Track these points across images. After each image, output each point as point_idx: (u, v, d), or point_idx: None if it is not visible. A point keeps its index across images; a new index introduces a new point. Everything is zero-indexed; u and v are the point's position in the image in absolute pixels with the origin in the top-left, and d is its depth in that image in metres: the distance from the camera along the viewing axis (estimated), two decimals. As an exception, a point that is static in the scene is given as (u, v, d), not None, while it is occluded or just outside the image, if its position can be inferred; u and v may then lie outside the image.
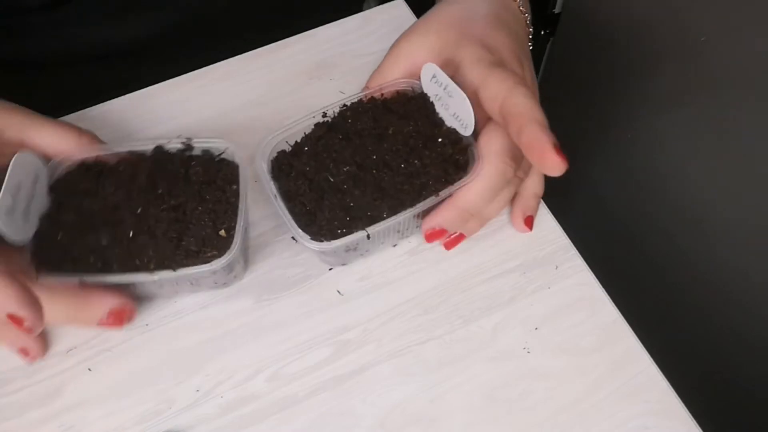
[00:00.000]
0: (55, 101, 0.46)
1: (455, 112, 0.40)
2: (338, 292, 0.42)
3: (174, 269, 0.36)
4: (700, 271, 0.64)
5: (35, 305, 0.33)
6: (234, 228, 0.38)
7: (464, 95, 0.39)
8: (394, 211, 0.38)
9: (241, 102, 0.49)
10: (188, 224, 0.37)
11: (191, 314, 0.41)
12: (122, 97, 0.49)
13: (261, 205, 0.45)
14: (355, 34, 0.52)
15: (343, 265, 0.43)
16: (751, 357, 0.61)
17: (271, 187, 0.39)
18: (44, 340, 0.40)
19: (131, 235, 0.37)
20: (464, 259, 0.43)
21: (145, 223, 0.37)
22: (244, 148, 0.47)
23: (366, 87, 0.44)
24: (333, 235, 0.38)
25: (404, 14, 0.53)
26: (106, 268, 0.37)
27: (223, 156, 0.41)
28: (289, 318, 0.41)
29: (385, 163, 0.40)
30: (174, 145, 0.41)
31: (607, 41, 0.62)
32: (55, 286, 0.36)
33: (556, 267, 0.42)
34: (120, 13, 0.54)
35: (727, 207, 0.57)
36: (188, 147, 0.41)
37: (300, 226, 0.38)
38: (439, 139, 0.40)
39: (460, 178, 0.39)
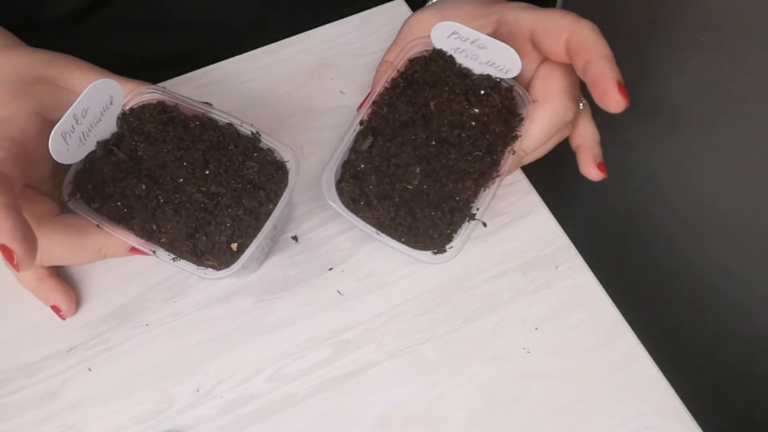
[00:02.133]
0: None
1: (489, 60, 0.40)
2: (338, 292, 0.42)
3: (175, 257, 0.37)
4: (700, 271, 0.64)
5: (28, 241, 0.32)
6: (246, 247, 0.37)
7: (501, 42, 0.38)
8: (479, 183, 0.38)
9: (241, 102, 0.49)
10: (212, 220, 0.37)
11: (191, 314, 0.41)
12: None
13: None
14: (355, 34, 0.52)
15: None
16: (751, 357, 0.61)
17: (365, 225, 0.38)
18: (74, 300, 0.41)
19: (161, 201, 0.37)
20: (464, 259, 0.43)
21: (178, 196, 0.37)
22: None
23: (384, 61, 0.43)
24: (446, 238, 0.37)
25: (404, 14, 0.53)
26: (127, 220, 0.37)
27: (283, 163, 0.39)
28: (289, 318, 0.41)
29: (446, 141, 0.39)
30: (245, 129, 0.39)
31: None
32: (87, 223, 0.37)
33: (556, 267, 0.42)
34: (138, 30, 0.54)
35: (727, 207, 0.57)
36: (256, 138, 0.39)
37: (415, 247, 0.37)
38: (481, 91, 0.40)
39: (519, 125, 0.39)
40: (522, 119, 0.39)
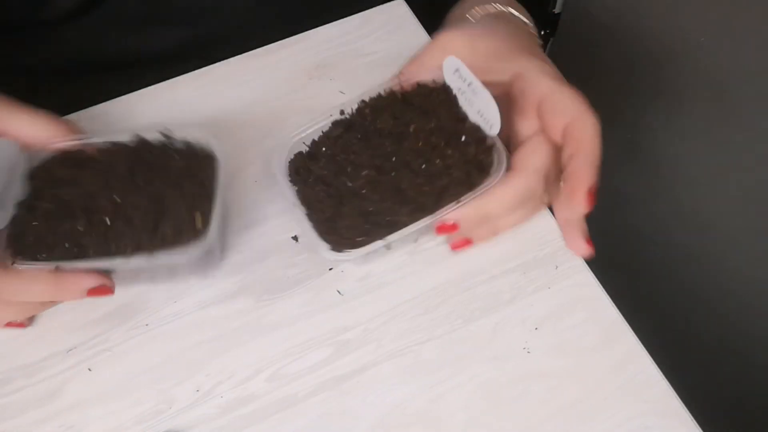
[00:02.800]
0: (62, 107, 0.46)
1: (480, 109, 0.40)
2: (338, 292, 0.42)
3: (150, 254, 0.37)
4: (700, 271, 0.64)
5: None
6: (209, 216, 0.38)
7: (490, 95, 0.38)
8: (413, 217, 0.38)
9: (241, 102, 0.49)
10: (165, 212, 0.38)
11: (191, 314, 0.41)
12: (121, 98, 0.49)
13: (262, 204, 0.45)
14: (355, 34, 0.52)
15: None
16: (751, 357, 0.61)
17: (290, 194, 0.39)
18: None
19: (108, 222, 0.37)
20: (464, 259, 0.43)
21: (122, 210, 0.38)
22: (245, 149, 0.47)
23: (401, 73, 0.43)
24: (352, 244, 0.37)
25: (404, 14, 0.53)
26: (82, 255, 0.37)
27: (203, 148, 0.40)
28: (289, 318, 0.41)
29: (406, 164, 0.39)
30: (154, 136, 0.40)
31: (607, 41, 0.62)
32: (31, 271, 0.37)
33: (556, 267, 0.42)
34: (138, 26, 0.54)
35: (726, 207, 0.57)
36: (168, 138, 0.40)
37: (320, 234, 0.38)
38: (463, 137, 0.39)
39: (482, 182, 0.38)
40: (486, 175, 0.38)
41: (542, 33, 0.72)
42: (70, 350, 0.40)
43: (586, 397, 0.38)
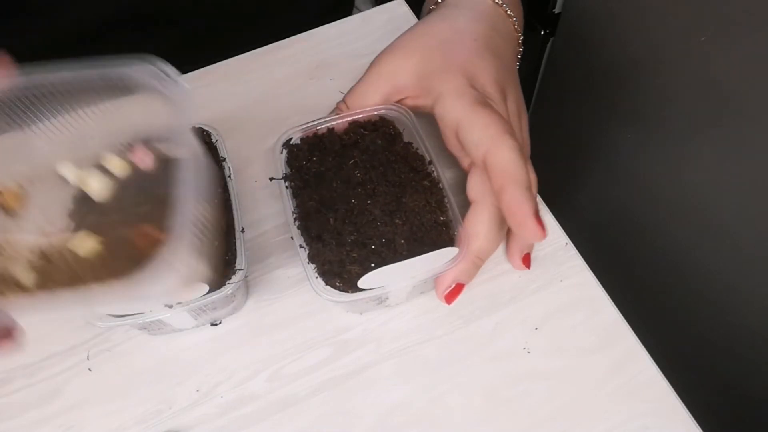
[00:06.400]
0: None
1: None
2: (338, 292, 0.42)
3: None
4: (701, 271, 0.64)
5: None
6: (234, 246, 0.36)
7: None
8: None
9: (242, 102, 0.49)
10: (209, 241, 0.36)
11: (191, 314, 0.41)
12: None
13: (262, 204, 0.45)
14: (355, 34, 0.52)
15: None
16: (751, 357, 0.61)
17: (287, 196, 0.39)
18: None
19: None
20: (464, 259, 0.43)
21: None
22: (245, 149, 0.47)
23: (343, 102, 0.43)
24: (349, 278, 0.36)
25: (404, 14, 0.53)
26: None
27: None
28: (289, 318, 0.41)
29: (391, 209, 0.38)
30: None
31: (607, 41, 0.62)
32: None
33: (556, 267, 0.42)
34: (138, 27, 0.53)
35: (727, 207, 0.57)
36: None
37: (309, 260, 0.37)
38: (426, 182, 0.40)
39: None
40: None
41: (542, 33, 0.72)
42: (70, 350, 0.40)
43: (586, 397, 0.38)
